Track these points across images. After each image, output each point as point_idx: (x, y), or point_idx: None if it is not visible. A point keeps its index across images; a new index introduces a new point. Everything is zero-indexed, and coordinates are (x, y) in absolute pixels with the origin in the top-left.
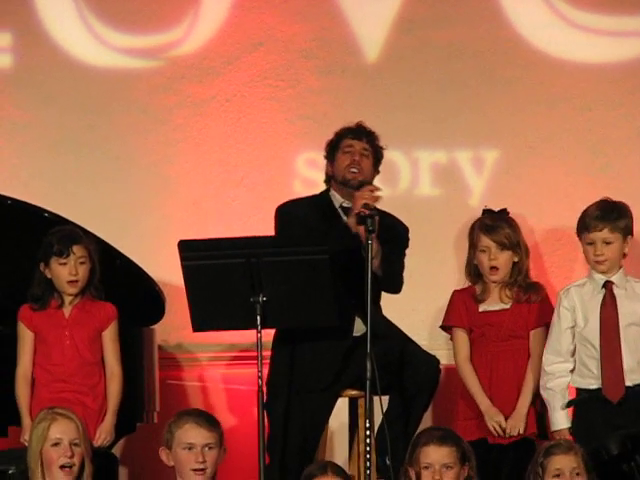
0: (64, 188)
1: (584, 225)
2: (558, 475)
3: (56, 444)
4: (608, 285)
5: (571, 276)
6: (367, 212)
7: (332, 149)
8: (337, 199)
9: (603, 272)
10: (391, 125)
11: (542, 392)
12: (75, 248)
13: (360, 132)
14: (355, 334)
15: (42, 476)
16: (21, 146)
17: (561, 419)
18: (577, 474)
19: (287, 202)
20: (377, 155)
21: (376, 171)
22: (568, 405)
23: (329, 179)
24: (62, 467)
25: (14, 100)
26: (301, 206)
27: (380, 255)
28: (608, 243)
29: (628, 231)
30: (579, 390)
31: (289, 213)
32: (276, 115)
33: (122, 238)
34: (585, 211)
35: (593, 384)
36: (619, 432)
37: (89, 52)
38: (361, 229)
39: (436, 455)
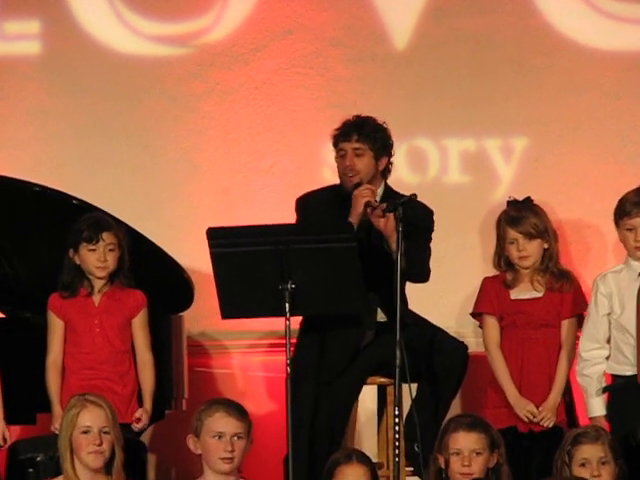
0: (93, 175)
1: (623, 211)
2: (584, 464)
3: (85, 432)
4: None
5: (599, 265)
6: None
7: (335, 149)
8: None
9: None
10: (420, 113)
11: (578, 378)
12: (105, 235)
13: (349, 131)
14: (381, 320)
15: (71, 462)
16: (50, 133)
17: (597, 406)
18: (604, 463)
19: (305, 194)
20: (377, 145)
21: (383, 158)
22: (604, 391)
23: None
24: (91, 452)
25: (43, 87)
26: (317, 197)
27: (402, 247)
28: None
29: None
30: (615, 376)
31: (306, 204)
32: (305, 103)
33: (151, 226)
34: (623, 197)
35: (629, 370)
36: None
37: (118, 39)
38: (386, 224)
39: (465, 441)
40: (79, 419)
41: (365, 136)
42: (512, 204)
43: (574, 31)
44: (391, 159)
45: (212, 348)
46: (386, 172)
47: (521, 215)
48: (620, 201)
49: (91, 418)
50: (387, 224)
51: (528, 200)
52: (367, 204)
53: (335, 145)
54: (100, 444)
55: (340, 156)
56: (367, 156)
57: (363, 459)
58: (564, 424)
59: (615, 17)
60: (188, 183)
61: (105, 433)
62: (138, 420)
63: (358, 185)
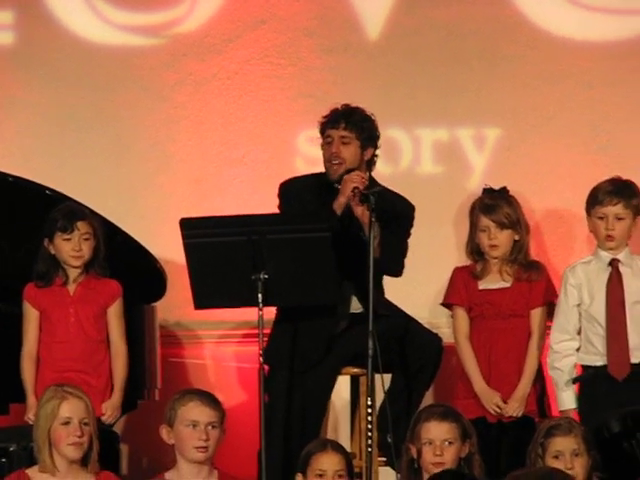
0: (66, 166)
1: (596, 199)
2: (557, 456)
3: (66, 423)
4: (614, 263)
5: (572, 255)
6: (363, 190)
7: (321, 136)
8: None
9: (611, 248)
10: (393, 103)
11: (549, 371)
12: (79, 224)
13: (337, 118)
14: (353, 311)
15: (50, 453)
16: (23, 123)
17: (568, 399)
18: (577, 455)
19: (289, 179)
20: (363, 134)
21: (369, 148)
22: (574, 381)
23: None
24: (71, 443)
25: (16, 78)
26: (301, 183)
27: (378, 238)
28: (620, 219)
29: (638, 210)
30: (584, 367)
31: (289, 190)
32: (278, 93)
33: (123, 216)
34: (596, 187)
35: (598, 361)
36: (620, 410)
37: (91, 30)
38: (363, 212)
39: (437, 431)
40: (60, 411)
41: (353, 124)
42: (488, 192)
43: (547, 21)
44: (376, 151)
45: (185, 338)
46: (371, 164)
47: (495, 204)
48: (593, 191)
49: (72, 409)
50: (364, 212)
51: (504, 190)
52: (354, 190)
53: (322, 132)
54: (81, 435)
55: (326, 143)
56: (353, 145)
57: (338, 448)
58: (535, 414)
59: (588, 7)
60: (161, 173)
61: (85, 424)
62: (105, 413)
63: (350, 171)
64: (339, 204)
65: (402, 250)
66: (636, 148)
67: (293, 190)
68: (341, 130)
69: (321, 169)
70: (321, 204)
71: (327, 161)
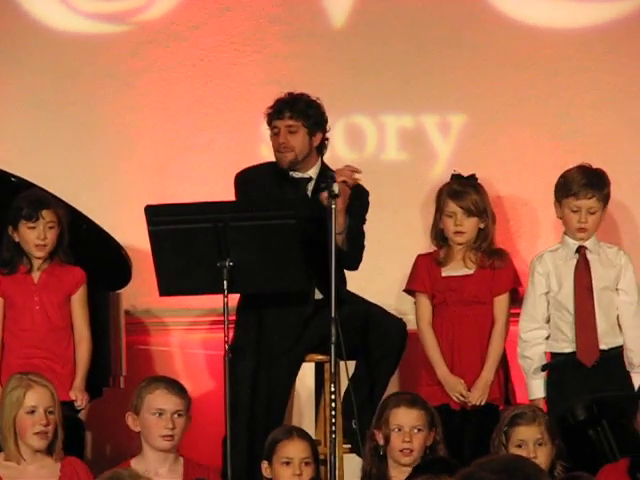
0: (30, 153)
1: (569, 190)
2: (521, 445)
3: (31, 412)
4: (581, 250)
5: (537, 241)
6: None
7: (269, 127)
8: None
9: (582, 240)
10: (357, 90)
11: (519, 360)
12: (44, 212)
13: (281, 109)
14: (317, 297)
15: (15, 442)
16: None
17: (537, 387)
18: (540, 444)
19: (244, 169)
20: (309, 121)
21: (317, 133)
22: (543, 369)
23: None
24: (37, 433)
25: None
26: (257, 172)
27: (346, 231)
28: (593, 212)
29: (607, 199)
30: (553, 354)
31: (246, 180)
32: (243, 80)
33: (88, 203)
34: (569, 176)
35: (567, 348)
36: (585, 397)
37: (56, 16)
38: (325, 196)
39: (407, 418)
40: (25, 399)
41: (298, 113)
42: (456, 178)
43: (512, 8)
44: (326, 135)
45: (151, 325)
46: (322, 148)
47: (464, 190)
48: (563, 180)
49: (37, 398)
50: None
51: (473, 177)
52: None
53: (269, 123)
54: (47, 424)
55: (274, 134)
56: (301, 133)
57: (303, 434)
58: (499, 401)
59: None
60: (126, 160)
61: (50, 413)
62: (76, 399)
63: (291, 165)
64: (323, 197)
65: (362, 242)
66: (602, 135)
67: (250, 179)
68: (286, 120)
69: None
70: (278, 192)
71: (276, 151)
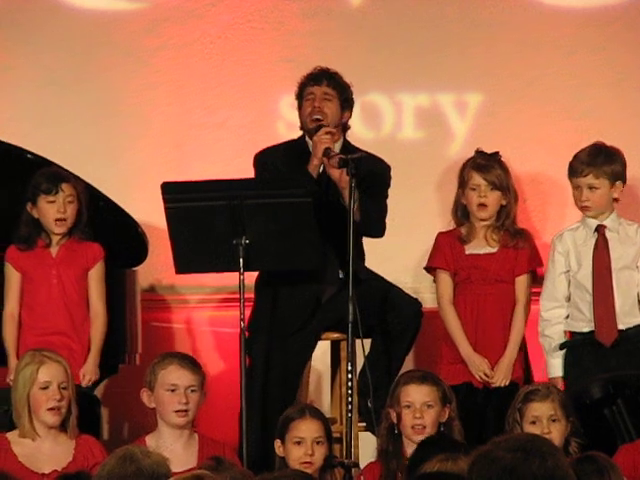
0: (46, 130)
1: (572, 169)
2: (535, 422)
3: (45, 387)
4: (601, 229)
5: (553, 221)
6: (344, 156)
7: (298, 98)
8: (311, 146)
9: (591, 217)
10: (374, 69)
11: (540, 339)
12: (64, 186)
13: (320, 76)
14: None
15: (29, 418)
16: (3, 87)
17: (556, 367)
18: (554, 421)
19: (264, 149)
20: (343, 95)
21: (346, 111)
22: (561, 347)
23: (303, 126)
24: (50, 409)
25: None
26: (275, 152)
27: (357, 202)
28: (593, 188)
29: (617, 177)
30: (573, 333)
31: (263, 160)
32: (259, 58)
33: (105, 180)
34: (575, 155)
35: (586, 327)
36: (601, 376)
37: None
38: (341, 176)
39: (417, 394)
40: (38, 375)
41: (335, 83)
42: (481, 153)
43: None
44: (350, 116)
45: (166, 302)
46: (346, 128)
47: (489, 164)
48: (572, 159)
49: (50, 373)
50: (341, 176)
51: (497, 154)
52: (326, 150)
53: (301, 91)
54: (60, 399)
55: (307, 99)
56: (335, 103)
57: (316, 414)
58: (520, 380)
59: None
60: (142, 138)
61: (64, 389)
62: (83, 378)
63: (318, 129)
64: (313, 167)
65: (382, 211)
66: (617, 114)
67: (267, 160)
68: (324, 87)
69: (299, 134)
70: (297, 170)
71: (308, 116)
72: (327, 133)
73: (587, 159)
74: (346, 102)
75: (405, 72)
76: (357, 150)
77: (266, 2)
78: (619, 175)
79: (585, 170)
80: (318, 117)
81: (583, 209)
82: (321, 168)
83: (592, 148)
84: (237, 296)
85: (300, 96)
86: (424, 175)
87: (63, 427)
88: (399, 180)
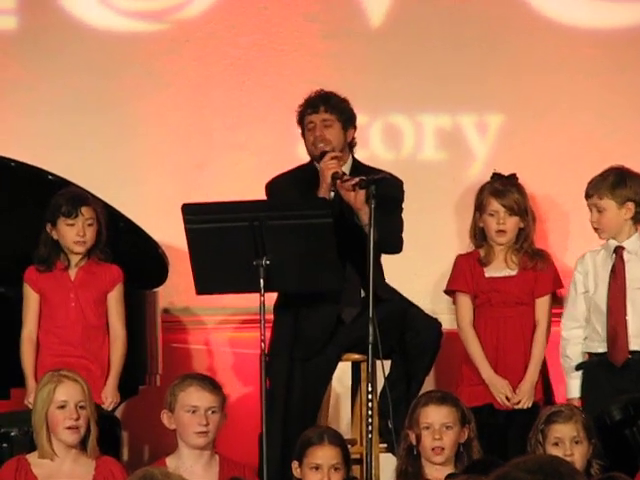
0: (68, 151)
1: (586, 192)
2: (557, 444)
3: (62, 407)
4: (619, 250)
5: (573, 243)
6: (360, 179)
7: (300, 127)
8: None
9: (603, 239)
10: (395, 89)
11: (561, 359)
12: (83, 209)
13: (316, 103)
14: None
15: (48, 438)
16: (25, 108)
17: (575, 387)
18: (577, 442)
19: (274, 178)
20: (343, 116)
21: (349, 129)
22: (577, 368)
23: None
24: (68, 427)
25: (19, 62)
26: (285, 180)
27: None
28: (600, 210)
29: (626, 198)
30: (589, 354)
31: (277, 188)
32: (280, 79)
33: (126, 201)
34: (592, 178)
35: (600, 348)
36: (621, 397)
37: (94, 14)
38: (356, 198)
39: (436, 415)
40: (56, 394)
41: (332, 107)
42: (497, 177)
43: (552, 8)
44: (355, 132)
45: (187, 324)
46: (352, 145)
47: (506, 189)
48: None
49: (67, 393)
50: (356, 197)
51: (513, 176)
52: (334, 175)
53: (301, 120)
54: (77, 419)
55: (308, 129)
56: (336, 127)
57: (335, 439)
58: (541, 402)
59: None
60: (164, 158)
61: (81, 408)
62: (105, 401)
63: (323, 155)
64: (323, 192)
65: (398, 226)
66: (639, 136)
67: (279, 189)
68: (322, 113)
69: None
70: (309, 196)
71: (312, 145)
72: (333, 158)
73: (594, 181)
74: (347, 121)
75: (426, 93)
76: (367, 168)
77: (286, 23)
78: (628, 197)
79: (590, 191)
80: (322, 146)
81: (596, 232)
82: (332, 194)
83: (604, 171)
84: (257, 317)
85: (301, 124)
86: (444, 196)
87: (83, 447)
88: (419, 201)
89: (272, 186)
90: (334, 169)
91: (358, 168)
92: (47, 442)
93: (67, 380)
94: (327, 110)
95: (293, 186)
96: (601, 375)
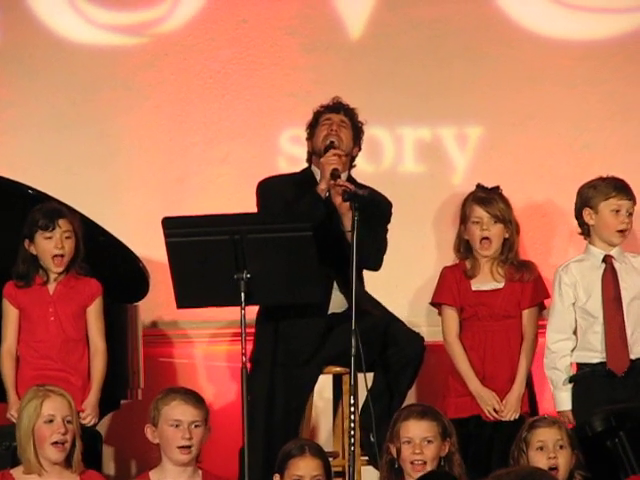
0: (48, 165)
1: (608, 193)
2: (541, 448)
3: (49, 421)
4: (608, 259)
5: (554, 253)
6: (352, 188)
7: (312, 126)
8: (318, 174)
9: (618, 244)
10: (375, 102)
11: (546, 371)
12: (61, 222)
13: (337, 106)
14: (338, 310)
15: (34, 453)
16: (5, 123)
17: (565, 400)
18: (561, 447)
19: (268, 178)
20: (356, 128)
21: (357, 145)
22: (571, 380)
23: (310, 156)
24: (55, 443)
25: None
26: (281, 182)
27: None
28: (630, 214)
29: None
30: (580, 365)
31: (269, 188)
32: (260, 92)
33: (106, 215)
34: (596, 184)
35: (595, 358)
36: (604, 408)
37: (73, 28)
38: (342, 203)
39: (416, 429)
40: (43, 409)
41: (350, 115)
42: (481, 187)
43: (529, 20)
44: (359, 152)
45: (168, 337)
46: (353, 161)
47: (491, 197)
48: (595, 187)
49: (55, 407)
50: (342, 202)
51: (497, 188)
52: (333, 172)
53: (318, 118)
54: (65, 433)
55: (324, 124)
56: (349, 133)
57: (316, 451)
58: (527, 414)
59: (570, 6)
60: (143, 172)
61: (68, 422)
62: (84, 416)
63: (328, 149)
64: (321, 190)
65: (381, 245)
66: (618, 147)
67: (273, 187)
68: (342, 115)
69: (301, 167)
70: (300, 197)
71: (323, 138)
72: (335, 155)
73: (623, 184)
74: (357, 137)
75: (405, 105)
76: (361, 187)
77: (266, 37)
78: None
79: (629, 194)
80: (333, 140)
81: (621, 233)
82: (327, 193)
83: (613, 177)
84: (239, 330)
85: (314, 124)
86: (424, 209)
87: (68, 462)
88: (399, 213)
89: (265, 185)
90: (334, 165)
91: (356, 187)
92: (34, 456)
93: (54, 395)
94: (346, 115)
95: (288, 187)
96: (595, 386)
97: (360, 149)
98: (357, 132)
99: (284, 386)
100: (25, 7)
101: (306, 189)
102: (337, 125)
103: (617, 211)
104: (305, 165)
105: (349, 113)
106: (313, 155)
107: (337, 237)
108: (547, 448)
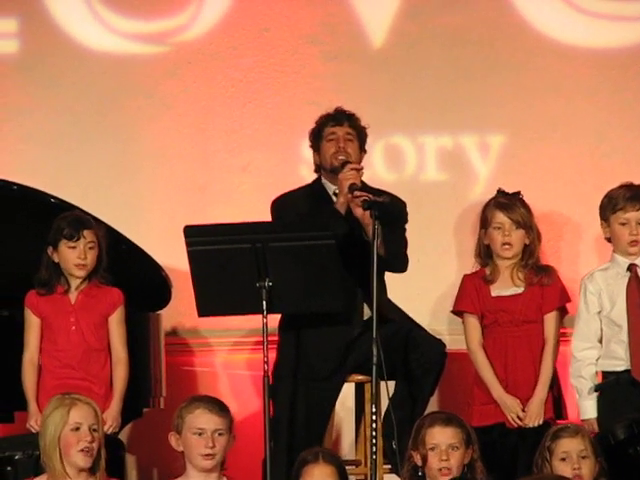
0: (69, 174)
1: (615, 206)
2: (565, 458)
3: (76, 429)
4: (633, 268)
5: (577, 260)
6: (372, 197)
7: (316, 138)
8: (329, 186)
9: (635, 254)
10: (396, 110)
11: (572, 380)
12: (85, 232)
13: (341, 117)
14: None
15: (60, 461)
16: (27, 132)
17: (590, 408)
18: (584, 457)
19: (281, 195)
20: (361, 136)
21: (363, 151)
22: (596, 389)
23: (318, 168)
24: (81, 450)
25: (20, 86)
26: (295, 197)
27: (381, 237)
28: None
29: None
30: (605, 373)
31: (283, 205)
32: (281, 100)
33: (128, 224)
34: (610, 194)
35: (620, 366)
36: (626, 416)
37: (95, 38)
38: (364, 213)
39: (442, 436)
40: (70, 417)
41: (355, 125)
42: (503, 193)
43: (551, 28)
44: (364, 156)
45: (191, 346)
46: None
47: (512, 203)
48: (608, 197)
49: (82, 415)
50: (364, 213)
51: (518, 193)
52: (352, 186)
53: (321, 130)
54: (92, 441)
55: (329, 140)
56: (355, 144)
57: (330, 458)
58: (553, 420)
59: (592, 14)
60: (165, 181)
61: (94, 431)
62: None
63: (344, 165)
64: (340, 204)
65: (403, 245)
66: (639, 155)
67: (287, 204)
68: (346, 127)
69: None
70: (316, 213)
71: (332, 156)
72: (352, 169)
73: (632, 194)
74: (363, 144)
75: (427, 114)
76: (373, 190)
77: (287, 45)
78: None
79: (636, 204)
80: (343, 158)
81: (632, 245)
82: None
83: (629, 185)
84: (260, 339)
85: (318, 136)
86: (446, 217)
87: (92, 470)
88: (421, 221)
89: (279, 203)
90: (352, 180)
91: (366, 190)
92: (60, 464)
93: (80, 403)
94: (350, 125)
95: (302, 202)
96: (622, 394)
97: (366, 152)
98: (363, 140)
99: (307, 397)
100: (46, 16)
101: (319, 202)
102: (343, 140)
103: (625, 224)
104: (315, 176)
105: (353, 122)
106: (321, 168)
107: (362, 248)
108: (571, 458)
